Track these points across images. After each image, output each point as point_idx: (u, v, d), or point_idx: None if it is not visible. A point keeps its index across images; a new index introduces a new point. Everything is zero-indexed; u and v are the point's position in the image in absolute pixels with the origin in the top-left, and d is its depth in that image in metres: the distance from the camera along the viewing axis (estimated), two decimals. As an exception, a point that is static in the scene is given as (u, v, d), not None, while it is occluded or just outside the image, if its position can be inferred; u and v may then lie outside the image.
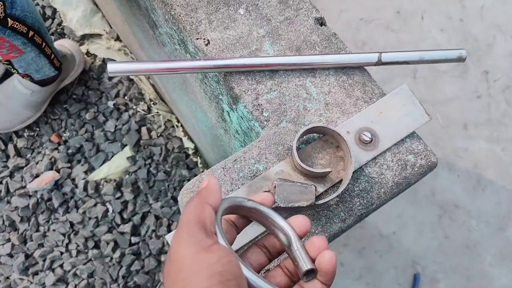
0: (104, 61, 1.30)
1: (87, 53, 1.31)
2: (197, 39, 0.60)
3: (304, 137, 0.56)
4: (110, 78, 1.29)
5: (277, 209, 0.50)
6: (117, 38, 1.31)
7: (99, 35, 1.31)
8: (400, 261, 1.39)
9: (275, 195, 0.50)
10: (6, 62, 0.96)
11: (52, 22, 1.37)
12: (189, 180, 1.28)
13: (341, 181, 0.53)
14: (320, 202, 0.50)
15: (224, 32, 0.60)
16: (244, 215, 0.41)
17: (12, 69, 1.01)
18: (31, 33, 0.88)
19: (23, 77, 1.05)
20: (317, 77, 0.59)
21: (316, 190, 0.51)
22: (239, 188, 0.53)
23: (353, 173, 0.54)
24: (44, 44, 0.95)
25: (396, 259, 1.39)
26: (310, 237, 0.39)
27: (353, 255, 1.38)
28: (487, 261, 1.40)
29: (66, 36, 1.33)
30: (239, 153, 0.55)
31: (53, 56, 1.03)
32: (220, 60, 0.56)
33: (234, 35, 0.60)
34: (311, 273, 0.37)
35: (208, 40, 0.60)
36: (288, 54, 0.60)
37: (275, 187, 0.52)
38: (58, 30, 1.34)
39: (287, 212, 0.52)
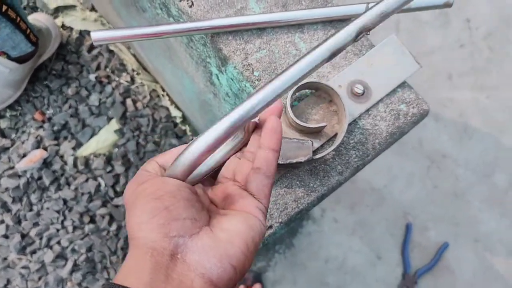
0: (81, 33, 1.26)
1: (63, 26, 1.27)
2: (180, 1, 0.58)
3: (297, 94, 0.55)
4: (89, 51, 1.26)
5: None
6: (92, 8, 1.27)
7: (73, 7, 1.26)
8: (391, 213, 1.42)
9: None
10: (-20, 40, 0.93)
11: (23, -4, 1.32)
12: (179, 148, 1.27)
13: (336, 135, 0.54)
14: (318, 156, 0.51)
15: (208, -8, 0.58)
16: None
17: (-13, 47, 0.97)
18: (4, 7, 0.84)
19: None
20: (306, 33, 0.58)
21: (312, 145, 0.51)
22: (235, 149, 0.53)
23: (347, 126, 0.55)
24: (18, 18, 0.91)
25: (387, 211, 1.42)
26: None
27: (346, 211, 1.41)
28: (476, 207, 1.44)
29: (39, 9, 1.28)
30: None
31: (28, 31, 0.99)
32: (206, 21, 0.55)
33: (218, -6, 0.59)
34: None
35: (192, 1, 0.58)
36: (275, 11, 0.58)
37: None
38: (30, 4, 1.29)
39: (286, 168, 0.53)
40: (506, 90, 1.56)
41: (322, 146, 0.54)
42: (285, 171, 0.53)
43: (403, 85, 0.57)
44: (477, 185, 1.46)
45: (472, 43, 1.58)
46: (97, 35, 0.53)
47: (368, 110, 0.55)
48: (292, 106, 0.54)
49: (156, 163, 0.37)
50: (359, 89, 0.55)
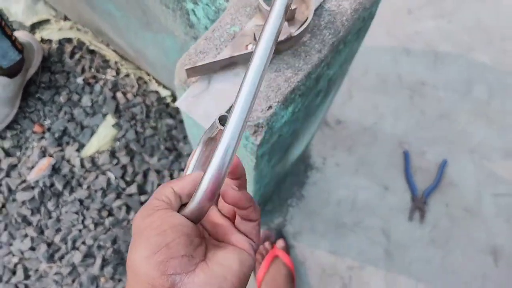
0: (61, 42, 1.33)
1: (42, 40, 1.34)
2: None
3: (265, -7, 0.63)
4: (71, 57, 1.33)
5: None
6: (65, 18, 1.34)
7: (47, 21, 1.34)
8: (387, 146, 1.49)
9: (257, 38, 0.57)
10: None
11: (-2, 23, 1.38)
12: (176, 128, 1.34)
13: (307, 19, 0.61)
14: (296, 33, 0.58)
15: None
16: None
17: (-22, 59, 1.03)
18: (-12, 9, 0.91)
19: (-9, 67, 1.08)
20: None
21: (288, 26, 0.58)
22: (223, 50, 0.60)
23: (315, 10, 0.62)
24: (3, 23, 0.98)
25: (383, 145, 1.49)
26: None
27: (345, 154, 1.47)
28: (463, 122, 1.52)
29: (16, 29, 1.35)
30: (215, 24, 0.62)
31: (14, 37, 1.06)
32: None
33: None
34: None
35: None
36: None
37: (254, 37, 0.59)
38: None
39: (271, 52, 0.60)
40: (464, 11, 1.65)
41: (296, 30, 0.61)
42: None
43: (355, -32, 0.64)
44: (460, 102, 1.54)
45: (422, -24, 1.68)
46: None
47: (330, -6, 0.63)
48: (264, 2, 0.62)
49: (171, 190, 0.37)
50: (318, -23, 0.62)
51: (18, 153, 1.31)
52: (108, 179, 1.30)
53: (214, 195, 0.35)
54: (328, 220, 1.41)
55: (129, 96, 1.32)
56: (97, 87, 1.32)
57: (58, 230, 1.29)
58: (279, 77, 0.60)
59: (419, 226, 1.39)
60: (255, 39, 0.59)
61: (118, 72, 1.33)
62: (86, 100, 1.32)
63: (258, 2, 0.60)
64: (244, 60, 0.59)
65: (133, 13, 0.94)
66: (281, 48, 0.59)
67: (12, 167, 1.30)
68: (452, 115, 1.53)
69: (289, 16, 0.60)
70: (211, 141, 0.41)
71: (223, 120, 0.36)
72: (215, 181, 0.34)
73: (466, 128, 1.51)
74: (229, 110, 0.36)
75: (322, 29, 0.61)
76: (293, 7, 0.58)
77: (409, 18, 1.64)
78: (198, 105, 0.57)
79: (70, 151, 1.30)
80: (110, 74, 1.32)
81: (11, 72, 1.15)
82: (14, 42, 1.07)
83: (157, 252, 0.32)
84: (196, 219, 0.36)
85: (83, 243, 1.29)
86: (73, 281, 1.28)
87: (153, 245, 0.32)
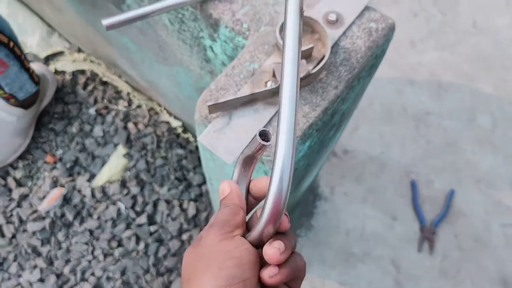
0: (74, 74, 1.36)
1: (56, 71, 1.37)
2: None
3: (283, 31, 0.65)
4: (84, 88, 1.36)
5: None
6: (79, 50, 1.38)
7: (61, 53, 1.37)
8: (395, 175, 1.50)
9: (276, 76, 0.59)
10: (-7, 81, 1.01)
11: (12, 57, 1.42)
12: (186, 158, 1.35)
13: (324, 56, 0.63)
14: (314, 71, 0.60)
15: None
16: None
17: (-1, 90, 1.06)
18: (11, 43, 0.94)
19: (8, 98, 1.10)
20: (277, -14, 0.68)
21: (306, 64, 0.61)
22: (243, 86, 0.62)
23: (331, 48, 0.64)
24: (23, 56, 1.01)
25: (391, 174, 1.50)
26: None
27: (353, 184, 1.48)
28: (469, 151, 1.53)
29: (31, 61, 1.39)
30: (234, 61, 0.64)
31: (31, 70, 1.09)
32: (194, -8, 0.65)
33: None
34: None
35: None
36: (248, -25, 0.69)
37: (273, 74, 0.61)
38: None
39: (289, 88, 0.62)
40: (464, 43, 1.69)
41: (314, 68, 0.63)
42: (289, 94, 0.62)
43: (368, 8, 0.67)
44: (465, 131, 1.56)
45: (423, 10, 1.72)
46: (108, 21, 0.63)
47: (345, 32, 0.65)
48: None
49: (243, 212, 0.38)
50: (332, 17, 0.65)
51: (29, 183, 1.32)
52: (118, 209, 1.31)
53: (276, 220, 0.34)
54: (338, 250, 1.40)
55: (140, 126, 1.34)
56: (109, 118, 1.35)
57: (67, 261, 1.29)
58: (298, 112, 0.61)
59: (428, 257, 1.39)
60: (274, 76, 0.62)
61: (130, 103, 1.36)
62: (98, 131, 1.34)
63: (276, 40, 0.63)
64: (263, 96, 0.61)
65: (150, 47, 0.97)
66: (299, 84, 0.61)
67: (24, 197, 1.31)
68: (457, 143, 1.55)
69: (307, 54, 0.62)
70: (250, 160, 0.42)
71: (263, 135, 0.36)
72: (276, 205, 0.34)
73: (472, 157, 1.53)
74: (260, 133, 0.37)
75: (338, 66, 0.64)
76: (310, 45, 0.60)
77: (412, 50, 1.68)
78: (220, 140, 0.59)
79: (81, 181, 1.31)
80: (122, 105, 1.35)
81: (26, 103, 1.18)
82: (31, 74, 1.10)
83: (233, 285, 0.32)
84: (258, 245, 0.36)
85: (92, 274, 1.28)
86: (82, 312, 1.27)
87: (229, 276, 0.32)
